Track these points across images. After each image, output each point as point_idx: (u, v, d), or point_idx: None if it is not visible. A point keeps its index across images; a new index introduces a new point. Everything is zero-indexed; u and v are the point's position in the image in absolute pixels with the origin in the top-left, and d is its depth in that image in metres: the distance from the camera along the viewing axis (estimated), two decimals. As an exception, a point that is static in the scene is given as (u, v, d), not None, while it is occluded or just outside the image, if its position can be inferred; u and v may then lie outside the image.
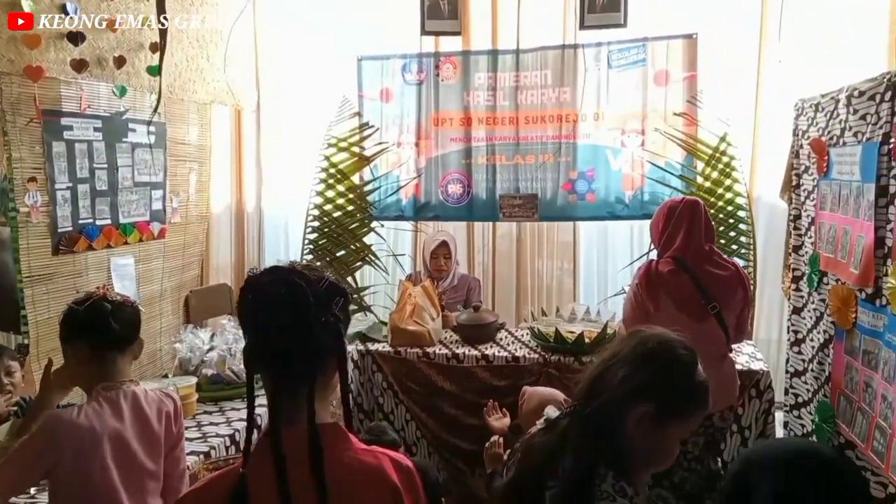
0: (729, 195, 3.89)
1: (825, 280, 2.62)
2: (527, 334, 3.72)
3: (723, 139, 3.89)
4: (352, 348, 3.59)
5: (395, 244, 4.72)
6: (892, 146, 2.03)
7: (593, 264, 4.46)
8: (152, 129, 3.69)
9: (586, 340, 3.35)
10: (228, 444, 2.68)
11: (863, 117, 2.25)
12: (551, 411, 1.47)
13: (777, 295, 4.07)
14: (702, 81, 3.99)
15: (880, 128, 2.10)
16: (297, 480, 1.08)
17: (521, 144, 4.33)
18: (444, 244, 4.00)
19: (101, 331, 1.83)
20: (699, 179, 3.99)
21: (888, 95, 2.05)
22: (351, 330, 3.83)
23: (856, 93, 2.27)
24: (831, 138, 2.56)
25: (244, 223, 4.95)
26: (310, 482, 1.08)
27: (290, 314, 1.11)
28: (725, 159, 3.89)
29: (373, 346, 3.64)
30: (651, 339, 1.36)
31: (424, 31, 4.38)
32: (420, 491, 1.21)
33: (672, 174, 4.06)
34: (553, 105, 4.25)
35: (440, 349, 3.54)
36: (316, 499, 1.08)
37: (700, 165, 4.00)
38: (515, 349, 3.50)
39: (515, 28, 4.28)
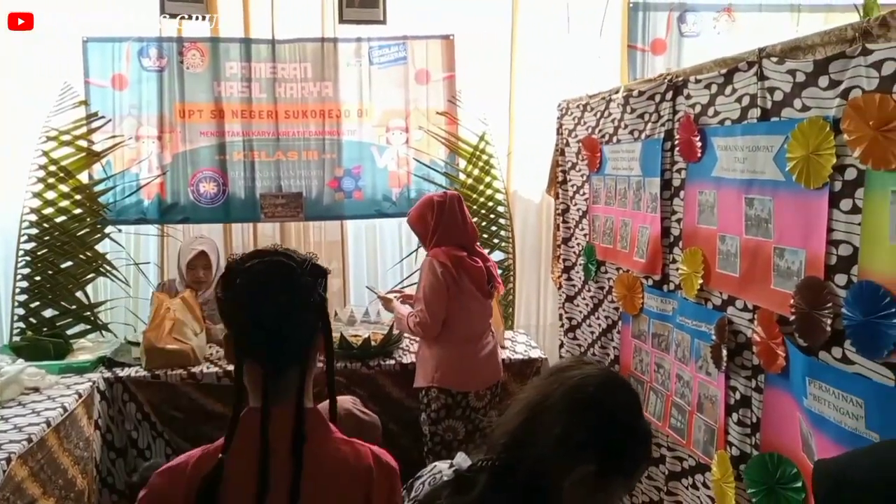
0: (489, 191, 3.88)
1: (603, 269, 2.67)
2: (305, 343, 3.31)
3: (482, 138, 3.87)
4: (96, 376, 2.84)
5: (136, 251, 3.90)
6: (675, 142, 2.07)
7: (363, 263, 4.17)
8: None
9: (373, 344, 3.06)
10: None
11: (640, 116, 2.28)
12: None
13: (535, 283, 4.20)
14: (461, 82, 3.92)
15: (662, 125, 2.13)
16: (276, 468, 1.02)
17: (282, 140, 3.86)
18: (203, 254, 3.38)
19: None
20: (462, 176, 3.93)
21: (669, 95, 2.09)
22: (90, 355, 3.05)
23: (635, 92, 2.30)
24: (603, 136, 2.60)
25: (-72, 234, 3.70)
26: (288, 468, 1.02)
27: (284, 295, 1.07)
28: (485, 157, 3.88)
29: (123, 372, 2.92)
30: (588, 382, 1.04)
31: (164, 13, 3.66)
32: (398, 492, 1.14)
33: (437, 171, 3.94)
34: (315, 99, 3.85)
35: (208, 367, 2.96)
36: (290, 485, 1.01)
37: (462, 163, 3.94)
38: (296, 361, 3.07)
39: (270, 16, 3.79)
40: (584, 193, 2.83)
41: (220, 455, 1.04)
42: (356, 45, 3.85)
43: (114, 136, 3.65)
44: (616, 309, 2.54)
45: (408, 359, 3.07)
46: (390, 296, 2.97)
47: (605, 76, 3.96)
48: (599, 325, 2.71)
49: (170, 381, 2.89)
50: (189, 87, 3.75)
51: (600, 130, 2.62)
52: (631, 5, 3.97)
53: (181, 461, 1.08)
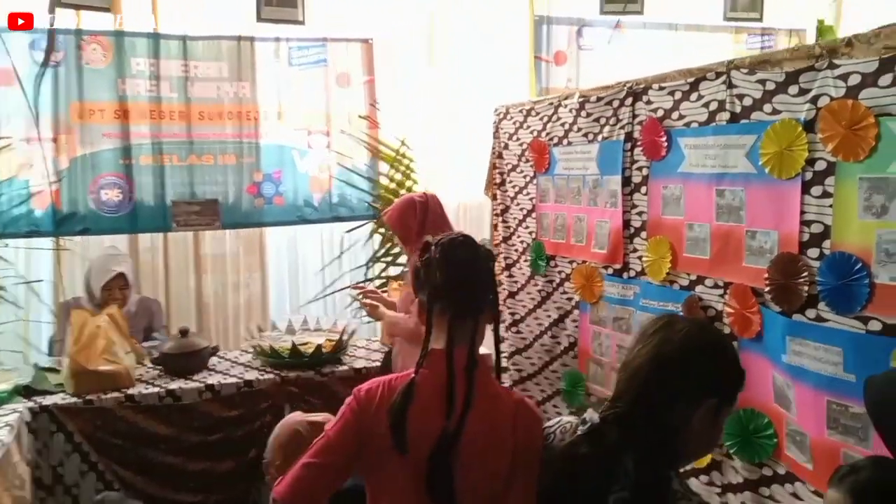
0: (412, 195, 4.06)
1: (552, 263, 2.94)
2: (242, 355, 3.27)
3: (403, 143, 4.04)
4: (22, 408, 2.63)
5: (27, 268, 3.61)
6: (636, 143, 2.38)
7: (284, 271, 4.16)
8: None
9: (324, 351, 3.10)
10: None
11: (596, 120, 2.58)
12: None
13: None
14: (381, 85, 4.07)
15: (622, 128, 2.45)
16: (455, 389, 1.37)
17: (196, 143, 3.77)
18: (120, 275, 3.24)
19: None
20: (384, 181, 4.07)
21: (629, 101, 2.40)
22: (5, 384, 2.82)
23: (592, 98, 2.59)
24: (551, 139, 2.88)
25: None
26: (463, 389, 1.36)
27: (471, 256, 1.47)
28: (406, 161, 4.06)
29: (48, 400, 2.73)
30: (695, 330, 1.30)
31: (60, 3, 3.45)
32: (539, 434, 1.40)
33: (361, 176, 4.04)
34: (231, 100, 3.82)
35: (146, 388, 2.85)
36: (463, 403, 1.35)
37: (384, 167, 4.08)
38: (242, 372, 3.04)
39: (181, 11, 3.71)
40: (528, 193, 3.09)
41: (413, 376, 1.39)
42: (275, 44, 3.88)
43: (-1, 139, 3.39)
44: (569, 299, 2.82)
45: (359, 364, 3.15)
46: (374, 302, 2.98)
47: (515, 84, 4.30)
48: (549, 316, 2.97)
49: (105, 406, 2.75)
50: (89, 84, 3.58)
51: (548, 133, 2.89)
52: (536, 19, 4.35)
53: (376, 380, 1.46)
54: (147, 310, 3.43)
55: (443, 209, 2.86)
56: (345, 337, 3.17)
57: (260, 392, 2.96)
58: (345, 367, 3.10)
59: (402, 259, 3.82)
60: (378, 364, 3.15)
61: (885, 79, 1.52)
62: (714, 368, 1.27)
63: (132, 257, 3.74)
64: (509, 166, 3.25)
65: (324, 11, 3.97)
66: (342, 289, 3.92)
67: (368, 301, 2.95)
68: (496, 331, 1.53)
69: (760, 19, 4.42)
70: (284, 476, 1.37)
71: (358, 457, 1.39)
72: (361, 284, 3.38)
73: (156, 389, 2.84)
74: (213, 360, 3.21)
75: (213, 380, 2.94)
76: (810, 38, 4.44)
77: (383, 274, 3.97)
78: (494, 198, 3.39)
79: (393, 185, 4.04)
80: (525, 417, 1.40)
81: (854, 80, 1.59)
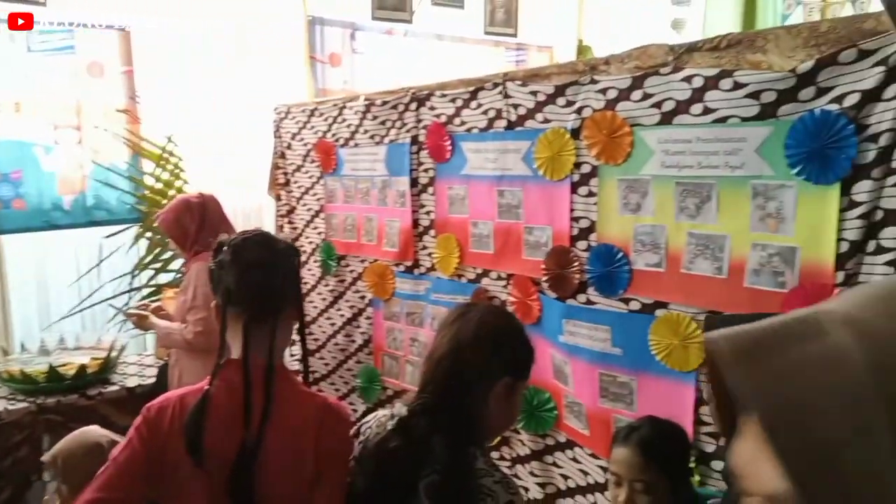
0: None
1: (343, 263, 2.96)
2: (-18, 384, 2.81)
3: (170, 139, 3.77)
4: None
5: None
6: (422, 146, 2.50)
7: (30, 285, 3.62)
8: None
9: (89, 371, 2.78)
10: None
11: (382, 122, 2.65)
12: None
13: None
14: (144, 78, 3.74)
15: (408, 132, 2.54)
16: (253, 400, 1.31)
17: None
18: None
19: None
20: (149, 181, 3.76)
21: (413, 106, 2.50)
22: None
23: (378, 102, 2.65)
24: (337, 140, 2.90)
25: None
26: (261, 400, 1.31)
27: (266, 254, 1.39)
28: (174, 160, 3.79)
29: None
30: (487, 315, 1.35)
31: None
32: (346, 433, 1.37)
33: (121, 175, 3.68)
34: (-49, 87, 3.24)
35: None
36: (261, 414, 1.30)
37: (148, 166, 3.77)
38: (-15, 405, 2.61)
39: None
40: (315, 194, 3.08)
41: (207, 388, 1.31)
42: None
43: None
44: (362, 297, 2.87)
45: (132, 382, 2.89)
46: (142, 312, 2.71)
47: (291, 83, 4.22)
48: (342, 315, 2.99)
49: None
50: None
51: (333, 134, 2.91)
52: (310, 19, 4.31)
53: (167, 396, 1.36)
54: None
55: (222, 210, 2.73)
56: (112, 354, 2.89)
57: (11, 424, 2.58)
58: (116, 388, 2.82)
59: (176, 265, 3.57)
60: (154, 380, 2.92)
61: (637, 94, 1.79)
62: (506, 349, 1.34)
63: None
64: (293, 166, 3.20)
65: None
66: (102, 301, 3.54)
67: (134, 311, 2.72)
68: (301, 329, 1.49)
69: (515, 35, 4.86)
70: None
71: (150, 483, 1.28)
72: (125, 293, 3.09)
73: None
74: (-56, 393, 2.72)
75: (-53, 417, 2.50)
76: (556, 55, 4.99)
77: (152, 282, 3.65)
78: (278, 198, 3.32)
79: (160, 186, 3.74)
80: (330, 420, 1.36)
81: (612, 94, 1.85)
